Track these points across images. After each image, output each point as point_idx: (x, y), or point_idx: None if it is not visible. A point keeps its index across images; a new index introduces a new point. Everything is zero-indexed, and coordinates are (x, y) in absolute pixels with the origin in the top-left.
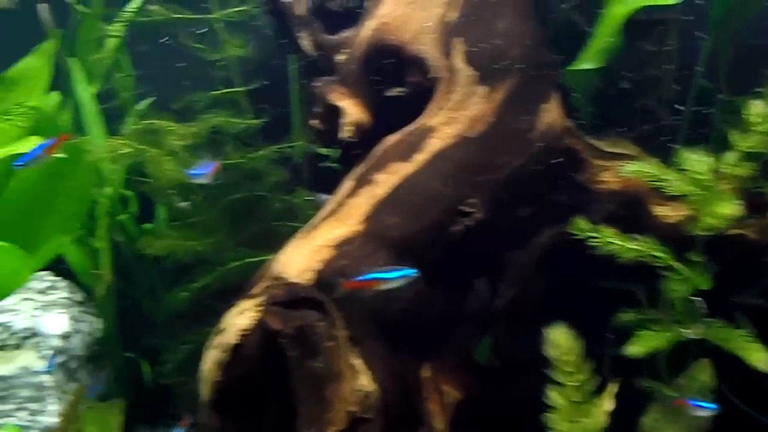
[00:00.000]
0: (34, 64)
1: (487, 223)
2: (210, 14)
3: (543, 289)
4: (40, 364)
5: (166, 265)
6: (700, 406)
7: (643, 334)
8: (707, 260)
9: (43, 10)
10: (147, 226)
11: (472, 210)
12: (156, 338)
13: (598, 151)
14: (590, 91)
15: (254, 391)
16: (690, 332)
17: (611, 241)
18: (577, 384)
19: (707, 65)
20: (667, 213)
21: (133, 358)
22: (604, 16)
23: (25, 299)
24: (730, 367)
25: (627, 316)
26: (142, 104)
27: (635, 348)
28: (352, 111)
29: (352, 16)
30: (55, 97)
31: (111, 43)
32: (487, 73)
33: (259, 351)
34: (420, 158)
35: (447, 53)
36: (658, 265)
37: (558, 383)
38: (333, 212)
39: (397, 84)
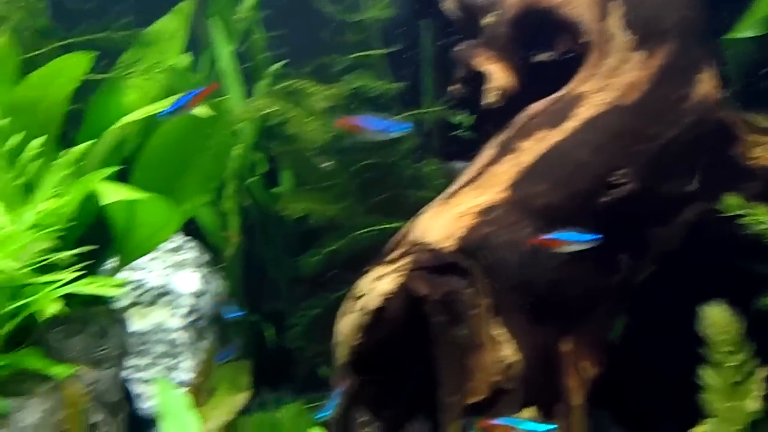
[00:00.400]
0: (172, 24)
1: (636, 196)
2: None
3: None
4: (173, 321)
5: (290, 229)
6: None
7: None
8: None
9: None
10: (275, 189)
11: (622, 181)
12: (279, 302)
13: (752, 126)
14: (746, 61)
15: (394, 356)
16: None
17: (763, 220)
18: (735, 364)
19: None
20: None
21: (256, 321)
22: None
23: (156, 258)
24: None
25: None
26: (276, 66)
27: None
28: (498, 76)
29: None
30: (188, 57)
31: (248, 2)
32: (644, 38)
33: (401, 316)
34: (569, 126)
35: (602, 17)
36: None
37: (713, 363)
38: (474, 180)
39: (546, 48)
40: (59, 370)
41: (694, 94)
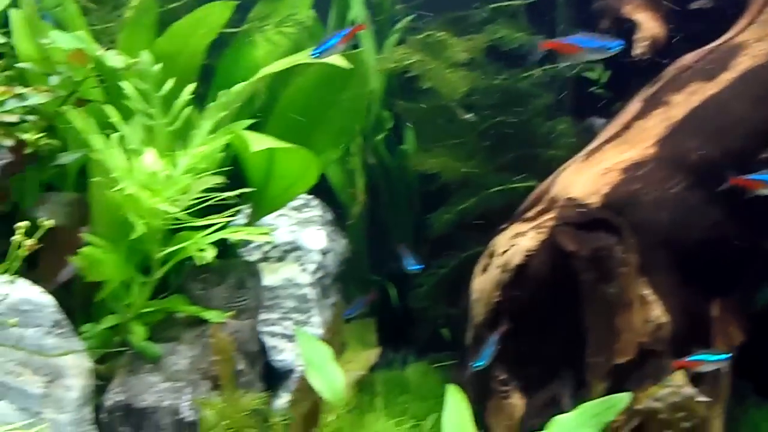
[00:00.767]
0: None
1: None
2: None
3: None
4: (303, 277)
5: (414, 189)
6: None
7: None
8: None
9: None
10: (401, 147)
11: None
12: (400, 263)
13: None
14: None
15: (534, 314)
16: None
17: None
18: None
19: None
20: None
21: (379, 281)
22: None
23: (282, 215)
24: None
25: None
26: (405, 21)
27: None
28: (649, 25)
29: None
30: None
31: None
32: None
33: (543, 273)
34: (726, 77)
35: None
36: None
37: None
38: (617, 135)
39: None
40: (212, 316)
41: None
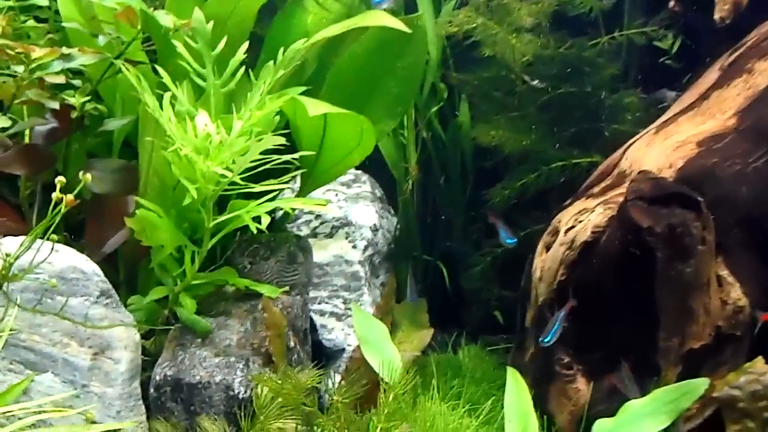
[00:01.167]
0: None
1: None
2: None
3: None
4: (353, 254)
5: (468, 164)
6: None
7: None
8: None
9: None
10: (457, 120)
11: None
12: (454, 241)
13: None
14: None
15: (603, 293)
16: None
17: None
18: None
19: None
20: None
21: (430, 260)
22: None
23: (331, 190)
24: None
25: None
26: None
27: None
28: None
29: None
30: None
31: None
32: None
33: (613, 250)
34: None
35: None
36: None
37: None
38: (693, 106)
39: None
40: (266, 290)
41: None
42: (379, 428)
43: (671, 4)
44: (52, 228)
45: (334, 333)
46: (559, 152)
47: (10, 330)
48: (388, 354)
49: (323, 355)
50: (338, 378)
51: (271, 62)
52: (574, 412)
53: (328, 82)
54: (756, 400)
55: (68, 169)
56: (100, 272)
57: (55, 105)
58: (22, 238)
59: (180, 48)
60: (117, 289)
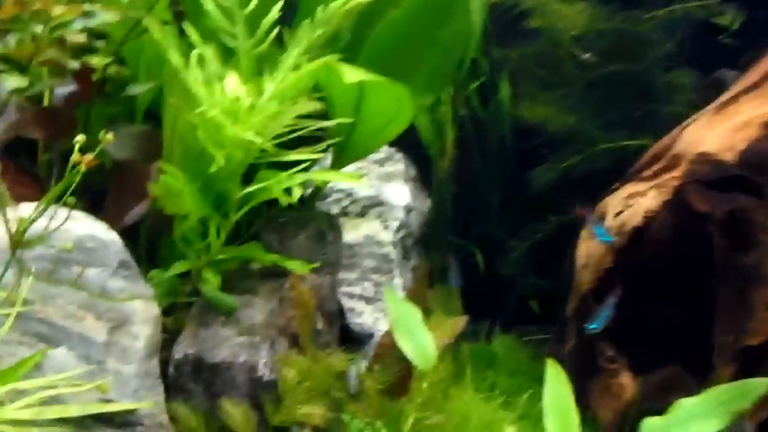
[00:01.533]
0: None
1: None
2: None
3: None
4: (385, 235)
5: (508, 145)
6: None
7: None
8: None
9: None
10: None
11: None
12: (490, 225)
13: None
14: None
15: (653, 282)
16: None
17: None
18: None
19: None
20: None
21: (464, 244)
22: None
23: (362, 168)
24: None
25: None
26: None
27: None
28: None
29: None
30: None
31: None
32: None
33: (666, 237)
34: None
35: None
36: None
37: None
38: (757, 86)
39: None
40: (295, 266)
41: None
42: (411, 418)
43: None
44: (69, 191)
45: (363, 317)
46: (607, 133)
47: (24, 301)
48: (422, 340)
49: (351, 340)
50: (364, 364)
51: (305, 25)
52: (618, 408)
53: (364, 52)
54: None
55: (88, 136)
56: (120, 242)
57: (76, 65)
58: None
59: (209, 5)
60: (137, 264)
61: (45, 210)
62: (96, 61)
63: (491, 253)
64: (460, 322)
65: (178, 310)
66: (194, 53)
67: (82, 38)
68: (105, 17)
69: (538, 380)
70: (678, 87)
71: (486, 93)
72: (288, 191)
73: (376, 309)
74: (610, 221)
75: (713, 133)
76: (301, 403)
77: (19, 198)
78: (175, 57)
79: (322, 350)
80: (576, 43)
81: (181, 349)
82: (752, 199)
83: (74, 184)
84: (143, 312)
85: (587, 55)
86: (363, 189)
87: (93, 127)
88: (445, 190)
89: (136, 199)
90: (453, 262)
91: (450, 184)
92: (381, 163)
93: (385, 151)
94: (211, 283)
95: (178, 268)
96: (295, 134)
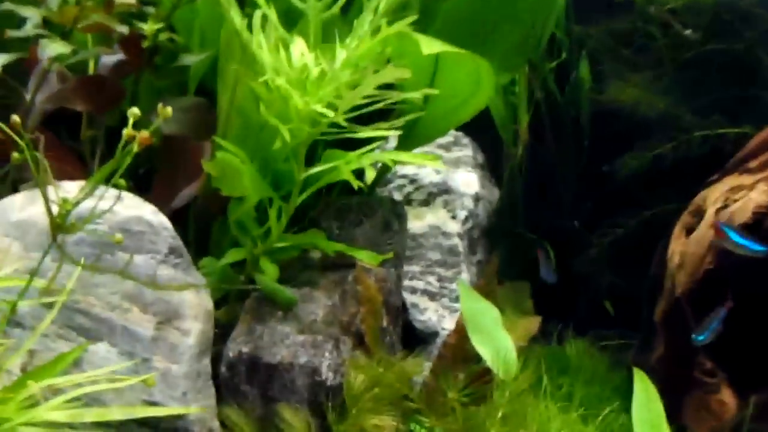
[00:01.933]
0: None
1: None
2: None
3: None
4: (452, 226)
5: (586, 131)
6: None
7: None
8: None
9: None
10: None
11: None
12: (564, 218)
13: None
14: None
15: (762, 287)
16: None
17: None
18: None
19: None
20: None
21: (534, 239)
22: None
23: (427, 152)
24: None
25: None
26: None
27: None
28: None
29: None
30: None
31: None
32: None
33: None
34: None
35: None
36: None
37: None
38: None
39: None
40: (364, 256)
41: None
42: None
43: None
44: (119, 172)
45: (427, 314)
46: (702, 119)
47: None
48: (501, 343)
49: (413, 338)
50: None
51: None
52: (717, 428)
53: (436, 24)
54: None
55: (139, 107)
56: (170, 226)
57: (125, 30)
58: (82, 183)
59: None
60: (187, 249)
61: (92, 191)
62: (146, 27)
63: (564, 249)
64: (534, 322)
65: (231, 302)
66: (257, 14)
67: (131, 1)
68: None
69: (617, 390)
70: None
71: (564, 73)
72: (357, 173)
73: (441, 306)
74: (710, 216)
75: None
76: (369, 413)
77: (59, 176)
78: (236, 18)
79: (387, 351)
80: (669, 19)
81: (235, 347)
82: None
83: (126, 164)
84: (195, 305)
85: (688, 32)
86: (429, 175)
87: (141, 100)
88: (516, 179)
89: (186, 179)
90: (543, 256)
91: (522, 172)
92: (447, 147)
93: (452, 134)
94: (268, 273)
95: (232, 256)
96: (369, 108)
